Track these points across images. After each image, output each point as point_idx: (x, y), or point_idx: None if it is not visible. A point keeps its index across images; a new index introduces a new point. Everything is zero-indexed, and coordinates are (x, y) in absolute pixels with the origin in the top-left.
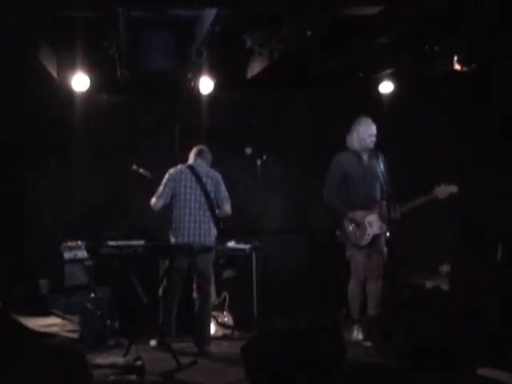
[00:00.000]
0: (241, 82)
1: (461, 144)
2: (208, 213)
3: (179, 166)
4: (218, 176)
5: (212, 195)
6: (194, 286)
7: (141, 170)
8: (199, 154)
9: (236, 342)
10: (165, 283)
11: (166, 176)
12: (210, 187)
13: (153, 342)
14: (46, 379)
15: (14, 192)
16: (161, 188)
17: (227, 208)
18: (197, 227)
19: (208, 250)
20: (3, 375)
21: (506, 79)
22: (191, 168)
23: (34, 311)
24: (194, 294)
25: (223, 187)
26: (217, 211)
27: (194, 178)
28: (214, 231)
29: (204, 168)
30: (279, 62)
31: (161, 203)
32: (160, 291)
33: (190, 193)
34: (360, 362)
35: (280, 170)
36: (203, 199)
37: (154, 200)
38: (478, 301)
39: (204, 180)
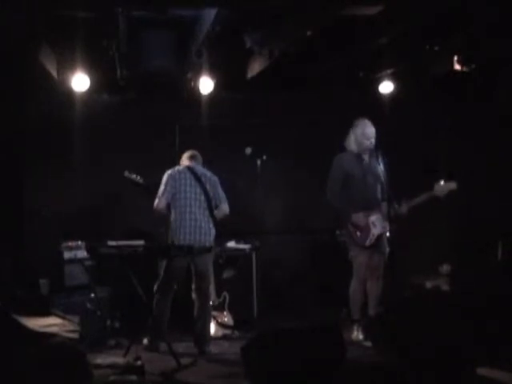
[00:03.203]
0: (241, 82)
1: (461, 144)
2: (207, 212)
3: (177, 167)
4: (215, 177)
5: (211, 194)
6: (193, 286)
7: (133, 177)
8: (193, 158)
9: (236, 341)
10: (160, 281)
11: (165, 176)
12: (208, 186)
13: (145, 341)
14: (46, 379)
15: (14, 192)
16: (162, 188)
17: (225, 207)
18: (197, 225)
19: (208, 250)
20: (3, 375)
21: (506, 79)
22: (189, 168)
23: (34, 311)
24: (193, 295)
25: (220, 188)
26: (215, 212)
27: (193, 177)
28: (213, 231)
29: (201, 169)
30: (279, 62)
31: (164, 203)
32: (155, 288)
33: (190, 191)
34: (360, 362)
35: (280, 170)
36: (203, 198)
37: (156, 201)
38: (478, 301)
39: (203, 179)
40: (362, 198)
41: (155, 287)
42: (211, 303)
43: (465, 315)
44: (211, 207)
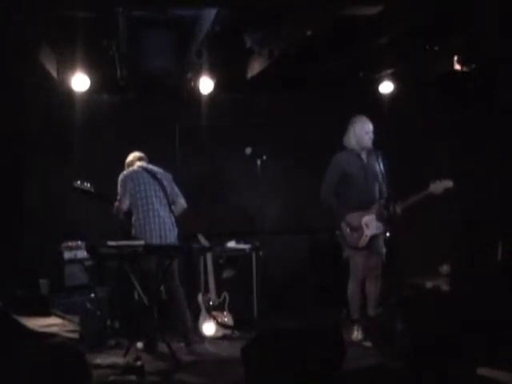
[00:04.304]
0: (241, 82)
1: (460, 144)
2: (167, 208)
3: (130, 168)
4: (169, 174)
5: (168, 190)
6: (162, 287)
7: (83, 186)
8: (142, 159)
9: (236, 341)
10: (138, 286)
11: (121, 178)
12: (165, 182)
13: (139, 345)
14: (46, 379)
15: (14, 192)
16: (120, 189)
17: (183, 202)
18: (161, 222)
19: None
20: (3, 375)
21: (506, 79)
22: (143, 168)
23: (34, 311)
24: (164, 295)
25: (175, 184)
26: (173, 207)
27: (149, 175)
28: (175, 226)
29: (155, 167)
30: (279, 62)
31: (127, 203)
32: (135, 295)
33: (150, 189)
34: (360, 362)
35: (280, 170)
36: (162, 194)
37: (117, 203)
38: (478, 301)
39: (159, 176)
40: (358, 198)
41: (135, 296)
42: (211, 303)
43: (465, 315)
44: (170, 203)
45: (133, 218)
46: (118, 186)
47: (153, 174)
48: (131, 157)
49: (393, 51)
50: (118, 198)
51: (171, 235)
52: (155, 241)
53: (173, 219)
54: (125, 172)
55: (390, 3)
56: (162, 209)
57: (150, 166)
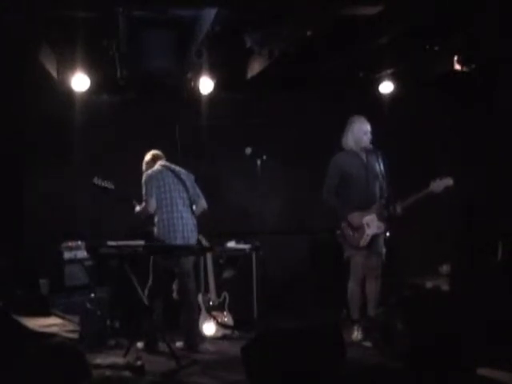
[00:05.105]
0: (241, 82)
1: (460, 144)
2: (190, 209)
3: (155, 167)
4: (191, 175)
5: (191, 192)
6: (175, 286)
7: (103, 183)
8: (162, 157)
9: (236, 341)
10: (151, 284)
11: (145, 178)
12: (188, 183)
13: (139, 345)
14: (46, 379)
15: (14, 192)
16: (147, 189)
17: (203, 203)
18: (185, 223)
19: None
20: (3, 375)
21: (506, 79)
22: (167, 167)
23: (34, 311)
24: (175, 295)
25: (196, 185)
26: (193, 207)
27: (173, 175)
28: (196, 229)
29: (177, 167)
30: (279, 62)
31: (154, 203)
32: (146, 292)
33: (174, 189)
34: (360, 362)
35: (280, 170)
36: (185, 195)
37: (144, 204)
38: (478, 301)
39: (182, 177)
40: (359, 198)
41: (146, 293)
42: (211, 303)
43: (465, 315)
44: (192, 204)
45: (155, 218)
46: (143, 187)
47: (177, 174)
48: (150, 156)
49: (393, 51)
50: (144, 198)
51: (193, 236)
52: (179, 241)
53: (194, 221)
54: (149, 172)
55: (390, 3)
56: (185, 210)
57: (173, 166)
